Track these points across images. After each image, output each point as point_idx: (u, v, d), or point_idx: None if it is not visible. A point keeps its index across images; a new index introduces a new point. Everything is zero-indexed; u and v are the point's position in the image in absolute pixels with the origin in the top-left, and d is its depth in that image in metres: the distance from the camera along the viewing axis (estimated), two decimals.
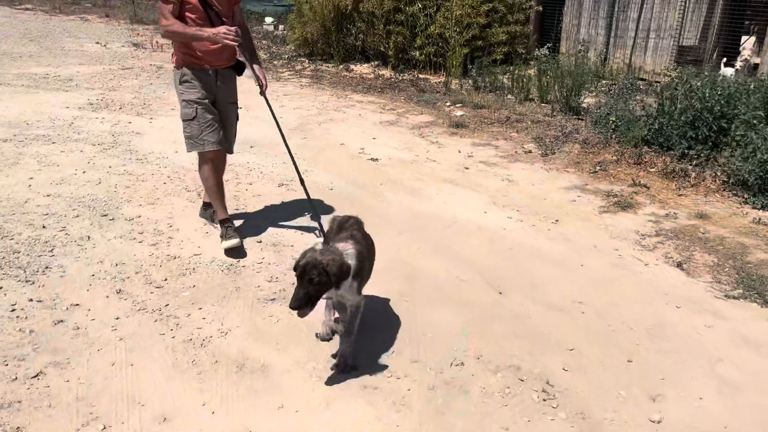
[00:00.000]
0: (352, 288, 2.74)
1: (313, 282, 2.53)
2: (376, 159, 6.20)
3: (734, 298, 3.78)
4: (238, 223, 4.40)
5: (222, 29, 3.71)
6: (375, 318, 3.29)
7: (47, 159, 5.62)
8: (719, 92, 6.17)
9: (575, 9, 12.46)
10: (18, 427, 2.40)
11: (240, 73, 4.24)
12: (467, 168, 6.08)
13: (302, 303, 2.53)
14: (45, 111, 7.41)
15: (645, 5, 11.19)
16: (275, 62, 12.31)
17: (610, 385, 2.91)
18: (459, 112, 8.37)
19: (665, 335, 3.34)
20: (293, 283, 2.62)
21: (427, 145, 6.85)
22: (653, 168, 6.06)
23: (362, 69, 11.75)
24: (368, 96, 9.42)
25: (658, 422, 2.68)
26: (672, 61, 10.42)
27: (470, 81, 10.06)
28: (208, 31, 3.73)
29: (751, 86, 6.30)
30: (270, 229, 4.39)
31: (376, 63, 12.01)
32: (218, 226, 4.19)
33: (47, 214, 4.39)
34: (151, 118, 7.35)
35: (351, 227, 3.03)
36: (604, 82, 10.47)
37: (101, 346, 2.95)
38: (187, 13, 3.83)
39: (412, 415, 2.63)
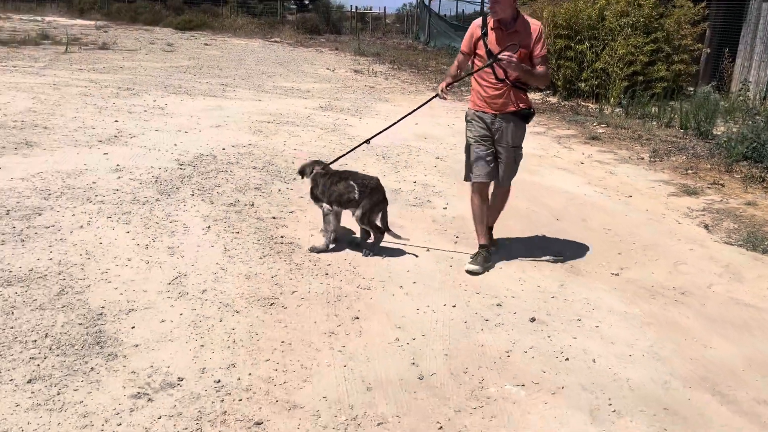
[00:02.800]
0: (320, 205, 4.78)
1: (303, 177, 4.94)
2: None
3: (729, 244, 5.37)
4: (408, 173, 6.88)
5: (442, 84, 4.49)
6: None
7: (293, 133, 8.66)
8: None
9: (747, 53, 13.45)
10: (252, 203, 5.18)
11: (527, 121, 4.54)
12: (582, 163, 8.00)
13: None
14: (291, 109, 10.68)
15: None
16: (462, 88, 14.88)
17: (597, 260, 4.85)
18: (600, 130, 10.15)
19: (655, 249, 5.14)
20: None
21: (560, 148, 8.84)
22: (738, 175, 7.45)
23: (534, 96, 13.82)
24: None
25: (616, 275, 4.59)
26: None
27: (623, 109, 11.68)
28: (445, 80, 4.54)
29: None
30: (422, 177, 6.82)
31: (547, 92, 14.03)
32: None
33: (294, 158, 7.28)
34: (361, 117, 10.24)
35: (351, 176, 4.85)
36: (758, 117, 11.41)
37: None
38: (477, 61, 4.45)
39: (446, 234, 4.85)
